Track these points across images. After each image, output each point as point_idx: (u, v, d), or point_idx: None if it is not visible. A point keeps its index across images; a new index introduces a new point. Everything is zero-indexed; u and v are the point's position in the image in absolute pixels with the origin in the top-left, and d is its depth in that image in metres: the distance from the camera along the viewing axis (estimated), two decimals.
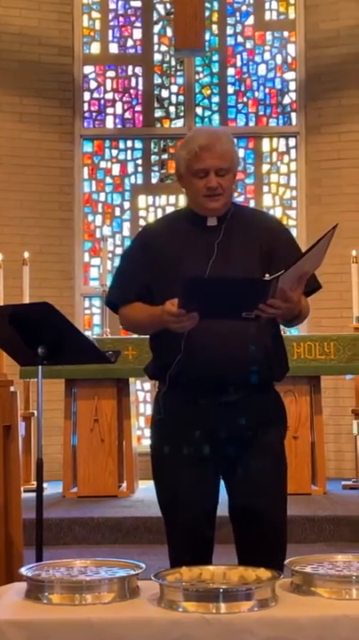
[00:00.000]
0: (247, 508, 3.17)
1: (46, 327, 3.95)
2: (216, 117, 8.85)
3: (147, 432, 8.44)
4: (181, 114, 8.88)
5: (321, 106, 8.51)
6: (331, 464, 7.79)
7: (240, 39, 8.89)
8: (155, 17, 8.94)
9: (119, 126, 8.87)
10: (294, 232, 8.01)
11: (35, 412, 4.77)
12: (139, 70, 8.91)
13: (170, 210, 8.72)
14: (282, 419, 3.32)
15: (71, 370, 6.49)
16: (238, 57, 8.89)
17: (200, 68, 8.91)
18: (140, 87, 8.89)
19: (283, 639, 2.36)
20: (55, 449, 7.33)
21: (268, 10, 8.87)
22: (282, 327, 3.38)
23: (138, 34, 8.92)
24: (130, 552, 5.44)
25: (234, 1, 8.91)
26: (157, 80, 8.93)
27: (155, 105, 8.92)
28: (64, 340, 4.02)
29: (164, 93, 8.92)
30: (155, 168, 8.89)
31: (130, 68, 8.92)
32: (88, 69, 8.86)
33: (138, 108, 8.90)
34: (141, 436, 8.29)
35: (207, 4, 8.40)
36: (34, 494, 4.19)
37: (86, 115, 8.82)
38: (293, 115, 8.77)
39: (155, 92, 8.91)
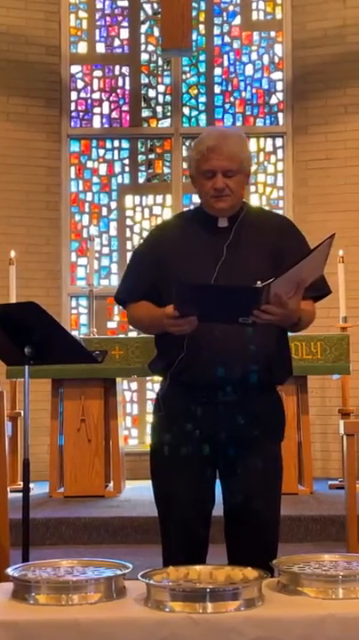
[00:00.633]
0: (243, 508, 3.18)
1: (33, 327, 3.95)
2: (203, 117, 8.85)
3: (134, 432, 8.45)
4: (168, 114, 8.87)
5: (308, 106, 8.52)
6: (318, 464, 7.79)
7: (227, 39, 8.89)
8: (142, 17, 8.93)
9: (106, 126, 8.86)
10: None
11: (22, 412, 4.76)
12: (126, 70, 8.90)
13: (157, 210, 8.74)
14: (281, 421, 3.32)
15: (58, 369, 6.49)
16: (225, 57, 8.89)
17: (187, 68, 8.90)
18: (127, 87, 8.88)
19: (269, 639, 2.36)
20: (42, 449, 7.33)
21: (255, 10, 8.88)
22: None
23: (125, 33, 8.92)
24: (117, 552, 5.43)
25: (221, 1, 8.90)
26: (144, 80, 8.92)
27: (142, 105, 8.91)
28: (51, 339, 4.02)
29: (151, 93, 8.91)
30: (142, 168, 8.88)
31: (117, 67, 8.90)
32: (75, 69, 8.85)
33: (125, 108, 8.88)
34: (128, 436, 8.29)
35: (194, 4, 8.37)
36: (20, 494, 4.19)
37: (73, 114, 8.80)
38: (280, 115, 8.77)
39: (142, 92, 8.90)
